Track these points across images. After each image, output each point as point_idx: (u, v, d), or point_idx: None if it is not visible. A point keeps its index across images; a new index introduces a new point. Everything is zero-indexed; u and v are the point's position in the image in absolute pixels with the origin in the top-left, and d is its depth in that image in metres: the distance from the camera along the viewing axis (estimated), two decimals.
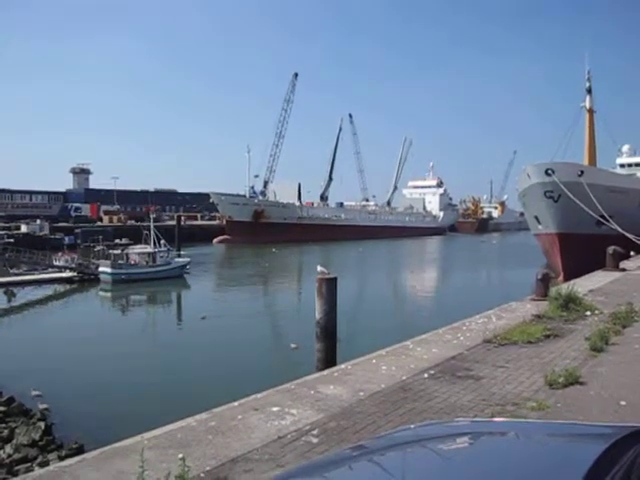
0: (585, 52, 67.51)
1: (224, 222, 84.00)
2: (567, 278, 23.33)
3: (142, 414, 11.31)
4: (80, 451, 9.60)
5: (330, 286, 11.22)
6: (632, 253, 27.05)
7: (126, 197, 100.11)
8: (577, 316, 11.50)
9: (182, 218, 71.38)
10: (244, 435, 5.43)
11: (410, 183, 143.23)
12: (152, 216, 41.45)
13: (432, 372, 7.62)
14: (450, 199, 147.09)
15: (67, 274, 37.04)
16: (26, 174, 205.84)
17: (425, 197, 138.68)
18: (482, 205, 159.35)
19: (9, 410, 12.97)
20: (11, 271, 37.78)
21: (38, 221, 66.66)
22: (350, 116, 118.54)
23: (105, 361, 17.41)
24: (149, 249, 38.45)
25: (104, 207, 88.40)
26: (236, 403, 6.43)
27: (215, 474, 4.60)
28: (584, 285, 16.09)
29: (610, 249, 21.55)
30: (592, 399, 6.40)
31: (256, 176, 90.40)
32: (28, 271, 38.46)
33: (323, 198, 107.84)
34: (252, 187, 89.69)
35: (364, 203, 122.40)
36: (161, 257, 38.47)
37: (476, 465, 1.86)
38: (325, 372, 8.20)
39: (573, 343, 9.28)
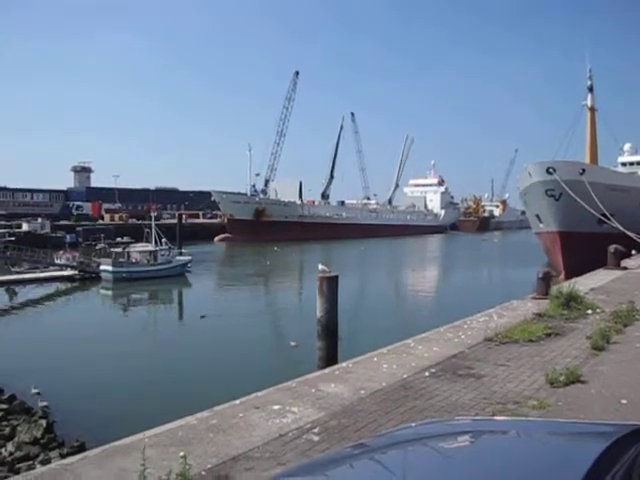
0: (585, 51, 67.35)
1: (225, 220, 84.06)
2: (568, 276, 23.26)
3: (143, 412, 11.31)
4: (82, 449, 9.59)
5: (331, 284, 11.21)
6: (633, 251, 27.08)
7: (127, 195, 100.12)
8: (578, 315, 11.50)
9: (183, 216, 71.39)
10: (245, 433, 5.44)
11: (411, 181, 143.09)
12: (153, 214, 41.44)
13: (433, 370, 7.62)
14: (451, 197, 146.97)
15: (68, 272, 37.05)
16: (27, 173, 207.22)
17: (426, 195, 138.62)
18: (483, 204, 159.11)
19: (11, 408, 12.99)
20: (12, 269, 37.87)
21: (39, 219, 66.51)
22: (352, 114, 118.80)
23: (106, 359, 17.40)
24: (150, 247, 38.43)
25: (105, 205, 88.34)
26: (237, 401, 6.43)
27: (216, 472, 4.60)
28: (585, 284, 16.07)
29: (611, 247, 21.56)
30: (593, 398, 6.40)
31: (257, 174, 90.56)
32: (29, 269, 38.49)
33: (324, 196, 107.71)
34: (253, 185, 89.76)
35: (365, 201, 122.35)
36: (162, 255, 38.41)
37: (477, 463, 1.86)
38: (326, 370, 8.20)
39: (574, 342, 9.27)
